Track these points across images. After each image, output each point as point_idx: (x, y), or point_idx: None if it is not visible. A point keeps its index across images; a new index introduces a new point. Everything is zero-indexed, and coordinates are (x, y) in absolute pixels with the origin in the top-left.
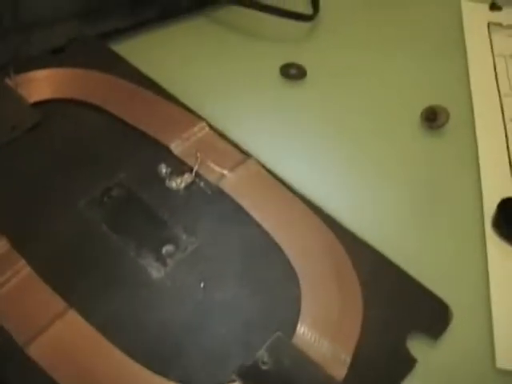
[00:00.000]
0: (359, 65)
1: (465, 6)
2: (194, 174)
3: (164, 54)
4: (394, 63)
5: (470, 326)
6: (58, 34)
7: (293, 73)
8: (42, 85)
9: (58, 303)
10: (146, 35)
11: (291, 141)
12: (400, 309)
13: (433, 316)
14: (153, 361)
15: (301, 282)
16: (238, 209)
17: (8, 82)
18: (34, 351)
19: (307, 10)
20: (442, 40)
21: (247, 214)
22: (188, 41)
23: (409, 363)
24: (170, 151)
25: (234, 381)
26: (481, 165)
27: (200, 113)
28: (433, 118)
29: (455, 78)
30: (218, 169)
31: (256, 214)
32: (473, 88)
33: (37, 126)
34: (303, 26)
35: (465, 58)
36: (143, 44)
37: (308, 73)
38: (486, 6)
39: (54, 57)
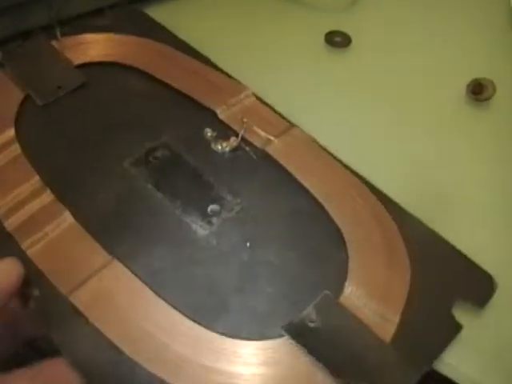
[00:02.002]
0: (405, 34)
1: None
2: (240, 137)
3: (202, 20)
4: (439, 34)
5: None
6: None
7: (337, 40)
8: (87, 48)
9: (103, 254)
10: (184, 1)
11: (335, 109)
12: (445, 277)
13: (478, 286)
14: (198, 314)
15: (348, 245)
16: (285, 174)
17: (54, 44)
18: (78, 300)
19: None
20: (488, 11)
21: (294, 180)
22: (229, 6)
23: (454, 329)
24: (215, 116)
25: (282, 336)
26: None
27: (243, 80)
28: (479, 90)
29: (502, 51)
30: (264, 134)
31: (303, 180)
32: None
33: (82, 87)
34: None
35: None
36: (181, 11)
37: (353, 41)
38: None
39: (96, 21)
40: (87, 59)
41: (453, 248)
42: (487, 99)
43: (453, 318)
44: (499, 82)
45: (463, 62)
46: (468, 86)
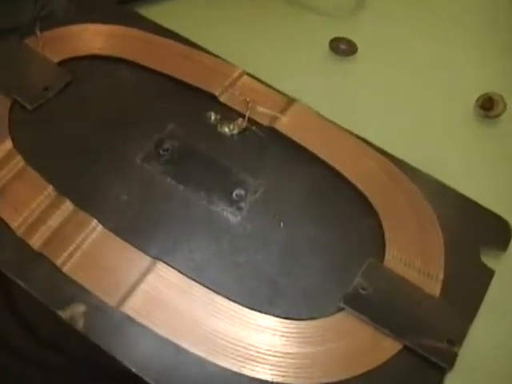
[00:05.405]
0: (413, 44)
1: None
2: (246, 119)
3: (204, 21)
4: (449, 44)
5: None
6: None
7: (343, 48)
8: (66, 43)
9: (143, 258)
10: (181, 2)
11: (339, 119)
12: (470, 230)
13: (497, 232)
14: (252, 301)
15: (378, 211)
16: (297, 147)
17: (28, 43)
18: (130, 308)
19: None
20: (499, 26)
21: (308, 152)
22: (232, 8)
23: (489, 275)
24: (214, 99)
25: (343, 309)
26: None
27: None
28: (489, 106)
29: None
30: (269, 112)
31: (316, 151)
32: None
33: (70, 85)
34: None
35: None
36: (182, 9)
37: (359, 49)
38: None
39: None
40: (67, 55)
41: (470, 200)
42: (497, 116)
43: (485, 265)
44: (510, 98)
45: (474, 74)
46: (477, 100)
